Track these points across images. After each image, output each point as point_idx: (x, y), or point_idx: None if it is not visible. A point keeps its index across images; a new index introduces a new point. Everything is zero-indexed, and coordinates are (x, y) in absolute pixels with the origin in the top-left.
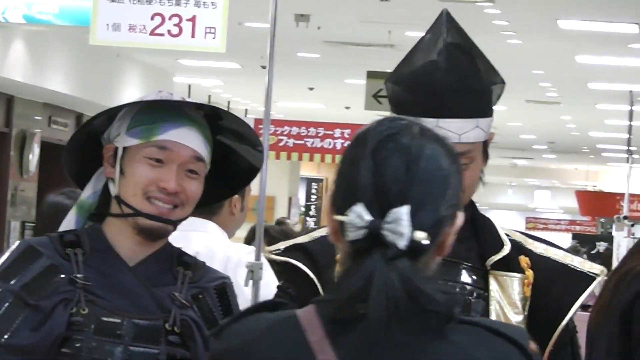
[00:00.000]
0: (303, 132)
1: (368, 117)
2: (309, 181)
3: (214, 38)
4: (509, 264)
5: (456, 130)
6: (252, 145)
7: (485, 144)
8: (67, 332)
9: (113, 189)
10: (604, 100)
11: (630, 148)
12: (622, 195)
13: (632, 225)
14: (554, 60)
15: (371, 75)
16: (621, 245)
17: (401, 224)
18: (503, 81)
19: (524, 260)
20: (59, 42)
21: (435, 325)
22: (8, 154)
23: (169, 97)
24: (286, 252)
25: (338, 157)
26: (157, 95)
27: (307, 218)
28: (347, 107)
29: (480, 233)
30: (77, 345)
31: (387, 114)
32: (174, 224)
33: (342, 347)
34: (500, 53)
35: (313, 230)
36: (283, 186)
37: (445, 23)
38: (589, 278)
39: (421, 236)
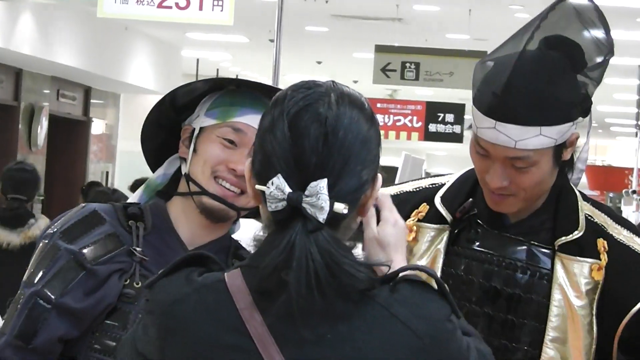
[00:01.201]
0: None
1: (376, 91)
2: None
3: (221, 11)
4: (583, 247)
5: (514, 136)
6: None
7: (558, 151)
8: (117, 302)
9: (184, 168)
10: (613, 75)
11: (639, 122)
12: (631, 169)
13: None
14: None
15: (379, 49)
16: (630, 220)
17: (320, 198)
18: (588, 96)
19: (601, 243)
20: (67, 16)
21: (356, 294)
22: (16, 127)
23: (250, 84)
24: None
25: None
26: (232, 81)
27: None
28: (355, 81)
29: (559, 211)
30: (125, 317)
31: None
32: (238, 210)
33: (269, 315)
34: (509, 27)
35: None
36: None
37: (549, 7)
38: None
39: (340, 207)
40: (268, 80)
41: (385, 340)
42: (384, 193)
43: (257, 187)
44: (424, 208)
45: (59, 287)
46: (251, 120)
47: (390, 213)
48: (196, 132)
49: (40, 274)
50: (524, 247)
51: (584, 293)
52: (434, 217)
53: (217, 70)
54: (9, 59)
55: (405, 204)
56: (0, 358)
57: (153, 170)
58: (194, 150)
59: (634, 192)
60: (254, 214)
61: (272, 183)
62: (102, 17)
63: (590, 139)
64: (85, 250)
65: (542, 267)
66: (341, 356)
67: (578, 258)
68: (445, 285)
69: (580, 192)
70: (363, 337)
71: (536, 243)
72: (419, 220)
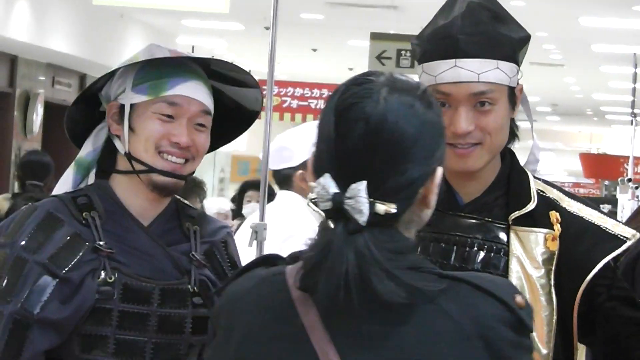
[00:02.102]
0: (307, 94)
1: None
2: None
3: None
4: (536, 219)
5: (475, 69)
6: (249, 87)
7: (512, 93)
8: (96, 301)
9: (121, 147)
10: (608, 63)
11: (634, 110)
12: (626, 157)
13: (636, 187)
14: (558, 22)
15: (375, 36)
16: (625, 208)
17: (359, 201)
18: (528, 35)
19: (554, 215)
20: (63, 3)
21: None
22: (12, 114)
23: (165, 53)
24: None
25: None
26: (153, 52)
27: None
28: (351, 69)
29: (511, 187)
30: (106, 314)
31: None
32: (185, 178)
33: (320, 307)
34: None
35: None
36: None
37: None
38: (619, 240)
39: (382, 209)
40: (264, 68)
41: (433, 334)
42: None
43: (310, 184)
44: None
45: (36, 302)
46: (183, 90)
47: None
48: (127, 108)
49: (13, 289)
50: (479, 225)
51: (541, 263)
52: None
53: (213, 57)
54: (4, 45)
55: None
56: None
57: (78, 146)
58: (131, 129)
59: (629, 180)
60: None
61: (319, 182)
62: (98, 4)
63: (586, 127)
64: (53, 258)
65: (498, 242)
66: (387, 349)
67: (532, 229)
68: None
69: (531, 173)
70: (406, 329)
71: (491, 220)
72: None
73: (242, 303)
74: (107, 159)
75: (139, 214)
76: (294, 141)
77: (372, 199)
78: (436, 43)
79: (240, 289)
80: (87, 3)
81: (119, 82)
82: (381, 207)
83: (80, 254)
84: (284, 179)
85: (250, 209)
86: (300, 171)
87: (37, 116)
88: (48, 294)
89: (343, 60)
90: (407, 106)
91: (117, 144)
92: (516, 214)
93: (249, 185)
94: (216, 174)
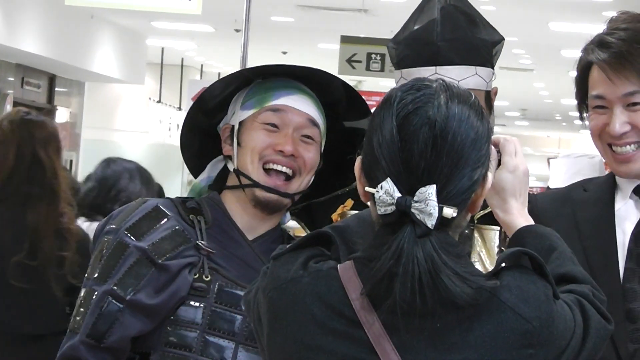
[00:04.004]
0: None
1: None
2: None
3: (189, 0)
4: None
5: (454, 76)
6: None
7: (488, 96)
8: (187, 296)
9: (231, 166)
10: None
11: None
12: None
13: None
14: (528, 27)
15: (345, 40)
16: None
17: (429, 204)
18: (502, 37)
19: None
20: (33, 3)
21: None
22: None
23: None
24: None
25: None
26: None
27: None
28: None
29: None
30: (197, 311)
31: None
32: (291, 197)
33: (381, 311)
34: None
35: None
36: None
37: None
38: None
39: (450, 212)
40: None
41: (495, 326)
42: (508, 138)
43: (367, 189)
44: (349, 203)
45: (131, 285)
46: (288, 100)
47: (511, 158)
48: (236, 127)
49: (111, 272)
50: None
51: (496, 258)
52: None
53: (182, 59)
54: None
55: (338, 199)
56: (73, 357)
57: (195, 176)
58: (239, 145)
59: None
60: (297, 214)
61: (382, 187)
62: (70, 5)
63: (555, 132)
64: (154, 246)
65: (467, 240)
66: (452, 345)
67: (492, 227)
68: (545, 266)
69: None
70: (472, 325)
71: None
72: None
73: (298, 287)
74: (219, 180)
75: (245, 229)
76: None
77: (439, 203)
78: (416, 49)
79: (294, 271)
80: (58, 3)
81: (232, 107)
82: (449, 211)
83: (181, 247)
84: None
85: None
86: None
87: None
88: (144, 280)
89: (313, 63)
90: (465, 112)
91: (229, 164)
92: (481, 212)
93: None
94: (184, 176)
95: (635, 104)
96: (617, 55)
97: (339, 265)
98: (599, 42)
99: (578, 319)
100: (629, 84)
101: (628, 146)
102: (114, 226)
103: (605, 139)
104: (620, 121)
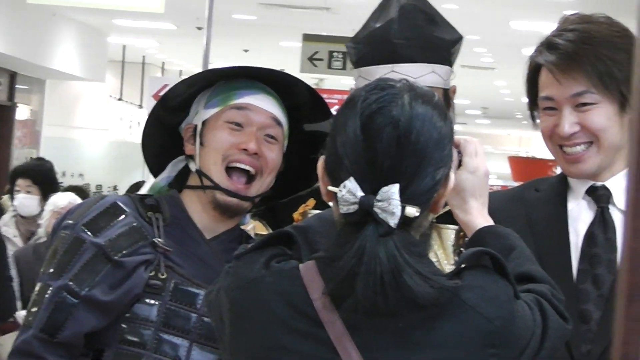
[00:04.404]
0: None
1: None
2: None
3: None
4: (453, 216)
5: (412, 74)
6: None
7: (446, 95)
8: (142, 294)
9: (193, 166)
10: None
11: None
12: (555, 161)
13: None
14: (489, 25)
15: (307, 38)
16: None
17: (392, 204)
18: (461, 36)
19: None
20: None
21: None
22: None
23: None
24: None
25: None
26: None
27: None
28: (282, 70)
29: None
30: (151, 308)
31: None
32: (251, 200)
33: (342, 309)
34: None
35: None
36: None
37: None
38: None
39: (412, 212)
40: (195, 69)
41: (458, 326)
42: (469, 139)
43: (330, 188)
44: (311, 202)
45: (86, 281)
46: (252, 99)
47: (471, 159)
48: (199, 127)
49: (66, 267)
50: None
51: (452, 256)
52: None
53: (144, 57)
54: None
55: (300, 199)
56: (27, 351)
57: (155, 175)
58: (201, 144)
59: None
60: (260, 214)
61: (345, 186)
62: (32, 3)
63: (515, 130)
64: (110, 243)
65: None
66: (414, 344)
67: (448, 225)
68: (507, 266)
69: None
70: (435, 325)
71: None
72: (304, 213)
73: (260, 287)
74: (179, 179)
75: (203, 228)
76: None
77: (402, 203)
78: (373, 47)
79: (257, 270)
80: (19, 1)
81: (195, 107)
82: (411, 210)
83: (138, 244)
84: None
85: (19, 201)
86: None
87: None
88: (99, 276)
89: (275, 61)
90: (429, 112)
91: (191, 165)
92: (440, 211)
93: (19, 173)
94: (145, 174)
95: (584, 104)
96: (565, 56)
97: (300, 265)
98: (547, 44)
99: (537, 319)
100: (577, 84)
101: (578, 146)
102: (71, 221)
103: (555, 140)
104: (569, 122)
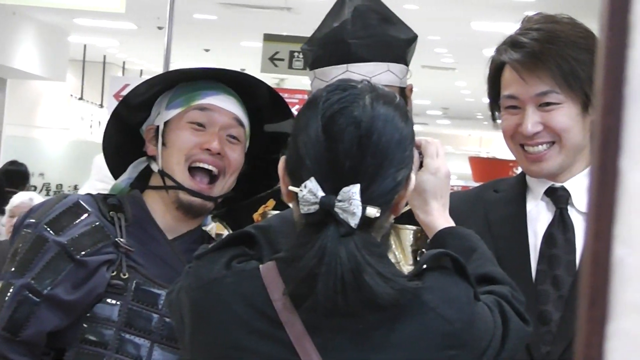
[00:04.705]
0: None
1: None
2: None
3: None
4: (412, 217)
5: (367, 73)
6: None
7: (403, 93)
8: (104, 293)
9: (155, 166)
10: None
11: None
12: (515, 162)
13: None
14: (450, 26)
15: (268, 37)
16: None
17: (353, 204)
18: (416, 35)
19: None
20: None
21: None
22: None
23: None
24: None
25: None
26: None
27: None
28: (243, 69)
29: None
30: (113, 308)
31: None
32: (214, 200)
33: (302, 310)
34: None
35: None
36: None
37: None
38: None
39: (373, 212)
40: (155, 68)
41: (418, 327)
42: (429, 140)
43: (291, 188)
44: (270, 203)
45: (48, 279)
46: (215, 100)
47: (432, 160)
48: (161, 127)
49: (29, 265)
50: None
51: (410, 257)
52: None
53: (104, 57)
54: None
55: (261, 200)
56: None
57: (115, 177)
58: (164, 145)
59: None
60: (221, 215)
61: (305, 186)
62: None
63: (476, 130)
64: (73, 242)
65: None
66: (374, 345)
67: (406, 226)
68: (467, 268)
69: None
70: (395, 326)
71: None
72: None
73: (221, 287)
74: (141, 181)
75: (166, 229)
76: None
77: (363, 203)
78: (328, 48)
79: (217, 271)
80: None
81: (156, 109)
82: (372, 211)
83: (101, 244)
84: None
85: None
86: None
87: None
88: (62, 275)
89: (236, 60)
90: (390, 113)
91: (153, 165)
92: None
93: None
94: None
95: (548, 103)
96: (530, 55)
97: (261, 265)
98: (511, 43)
99: (498, 321)
100: (542, 83)
101: (540, 146)
102: (33, 220)
103: (518, 140)
104: (532, 121)
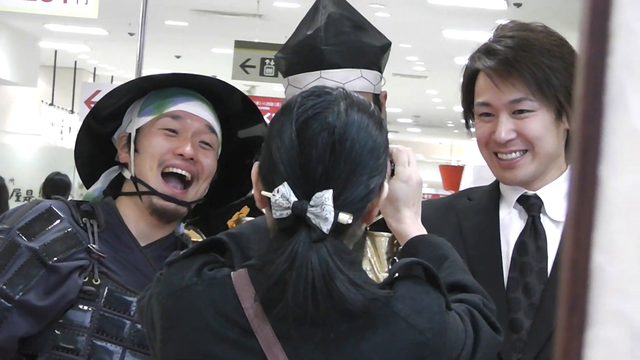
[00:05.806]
0: None
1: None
2: None
3: (86, 4)
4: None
5: (340, 79)
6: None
7: (377, 100)
8: (76, 300)
9: (128, 173)
10: None
11: None
12: None
13: None
14: (422, 34)
15: (239, 44)
16: None
17: (325, 209)
18: (389, 42)
19: None
20: None
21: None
22: None
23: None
24: None
25: None
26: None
27: None
28: (214, 76)
29: None
30: (85, 314)
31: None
32: (188, 205)
33: (273, 316)
34: None
35: None
36: None
37: None
38: None
39: (345, 218)
40: (126, 74)
41: (388, 337)
42: (401, 148)
43: (263, 193)
44: (244, 210)
45: (20, 285)
46: (187, 106)
47: (404, 168)
48: (133, 135)
49: (0, 271)
50: None
51: (386, 264)
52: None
53: (75, 62)
54: None
55: (235, 207)
56: None
57: (87, 186)
58: (136, 151)
59: None
60: (195, 223)
61: (278, 191)
62: None
63: (447, 139)
64: (45, 247)
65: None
66: (345, 354)
67: (382, 233)
68: (439, 277)
69: None
70: (366, 335)
71: None
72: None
73: (192, 295)
74: (113, 189)
75: (139, 235)
76: None
77: (335, 209)
78: (302, 56)
79: (188, 278)
80: None
81: (128, 117)
82: (344, 217)
83: (73, 250)
84: None
85: None
86: None
87: None
88: (33, 280)
89: (207, 67)
90: (364, 120)
91: (125, 172)
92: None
93: None
94: (76, 179)
95: (521, 111)
96: (504, 62)
97: (232, 273)
98: (485, 50)
99: (469, 330)
100: (515, 91)
101: (513, 153)
102: (6, 226)
103: (491, 147)
104: (506, 128)
